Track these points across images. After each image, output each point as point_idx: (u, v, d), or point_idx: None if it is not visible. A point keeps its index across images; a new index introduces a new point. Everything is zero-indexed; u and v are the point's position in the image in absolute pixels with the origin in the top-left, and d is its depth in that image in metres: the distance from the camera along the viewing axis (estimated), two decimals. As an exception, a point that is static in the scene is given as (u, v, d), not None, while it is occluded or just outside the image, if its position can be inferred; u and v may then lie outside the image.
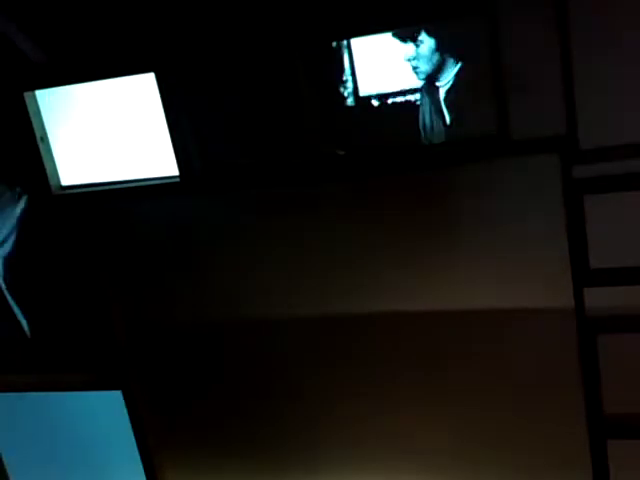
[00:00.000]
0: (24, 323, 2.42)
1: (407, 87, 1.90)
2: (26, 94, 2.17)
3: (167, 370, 2.32)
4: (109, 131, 2.23)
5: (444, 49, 1.82)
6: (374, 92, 1.94)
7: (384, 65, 1.91)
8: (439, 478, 2.12)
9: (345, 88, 1.95)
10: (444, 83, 1.85)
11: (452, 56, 1.82)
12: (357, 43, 1.90)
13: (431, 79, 1.87)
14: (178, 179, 2.12)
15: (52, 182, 2.26)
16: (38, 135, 2.21)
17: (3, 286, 2.40)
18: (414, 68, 1.88)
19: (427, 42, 1.83)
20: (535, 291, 1.88)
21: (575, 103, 1.74)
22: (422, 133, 1.91)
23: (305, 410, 2.20)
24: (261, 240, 2.09)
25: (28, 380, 2.49)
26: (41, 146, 2.22)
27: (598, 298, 1.84)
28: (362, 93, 1.94)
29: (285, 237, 2.06)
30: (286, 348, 2.17)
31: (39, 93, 2.20)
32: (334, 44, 1.91)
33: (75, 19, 2.04)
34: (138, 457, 2.42)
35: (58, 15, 2.05)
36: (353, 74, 1.93)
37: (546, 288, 1.87)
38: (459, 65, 1.82)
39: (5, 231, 2.31)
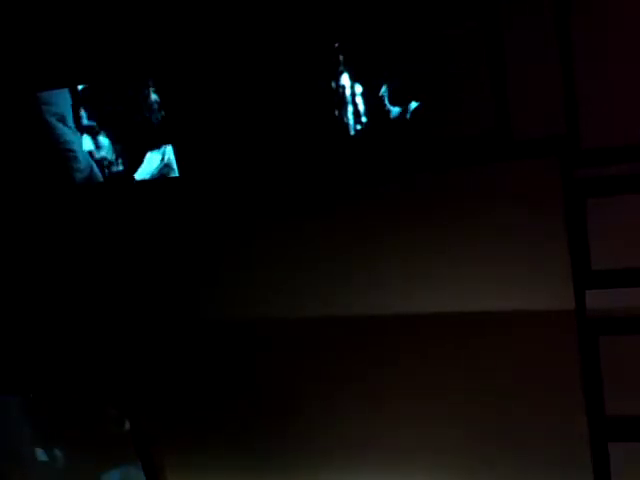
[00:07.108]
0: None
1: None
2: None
3: (166, 370, 2.32)
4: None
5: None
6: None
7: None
8: (438, 478, 2.11)
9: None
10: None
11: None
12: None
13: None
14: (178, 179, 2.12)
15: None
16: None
17: None
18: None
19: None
20: (536, 293, 1.87)
21: (575, 103, 1.73)
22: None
23: (307, 411, 2.20)
24: (261, 240, 2.09)
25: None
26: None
27: (599, 300, 1.83)
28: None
29: (286, 237, 2.06)
30: (288, 349, 2.17)
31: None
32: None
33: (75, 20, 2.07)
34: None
35: (58, 16, 2.07)
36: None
37: (547, 290, 1.86)
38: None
39: None
